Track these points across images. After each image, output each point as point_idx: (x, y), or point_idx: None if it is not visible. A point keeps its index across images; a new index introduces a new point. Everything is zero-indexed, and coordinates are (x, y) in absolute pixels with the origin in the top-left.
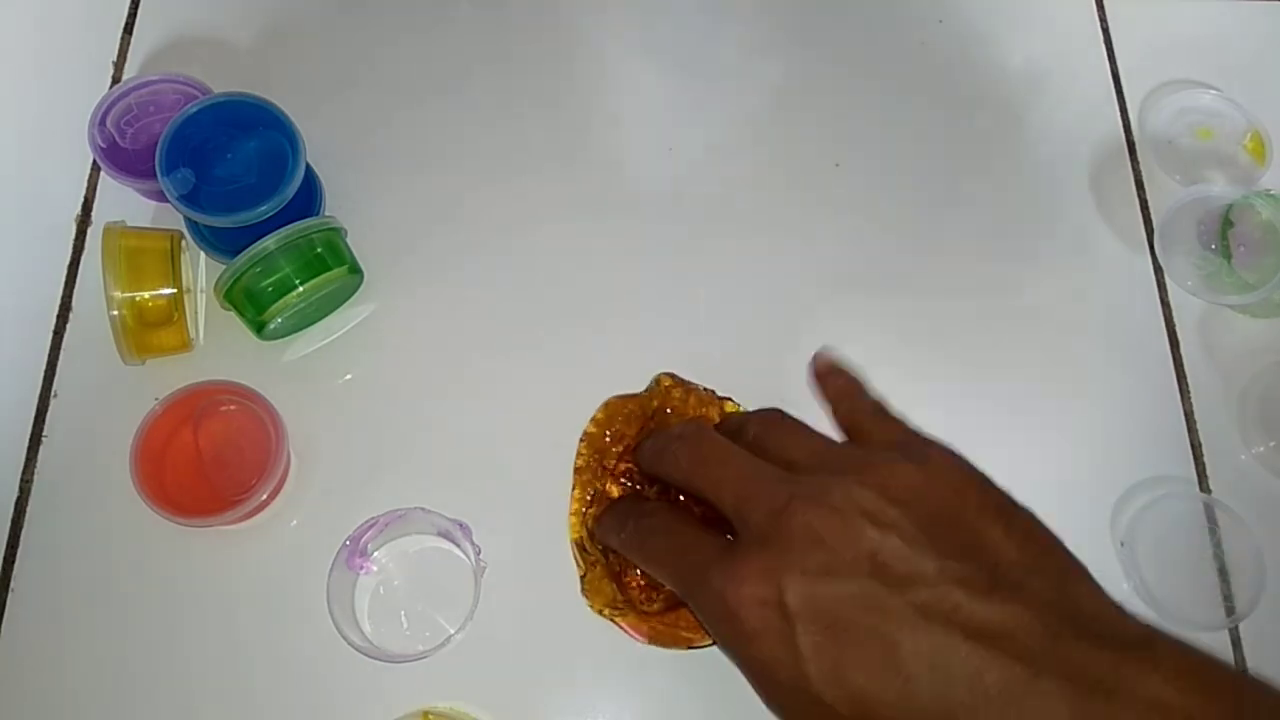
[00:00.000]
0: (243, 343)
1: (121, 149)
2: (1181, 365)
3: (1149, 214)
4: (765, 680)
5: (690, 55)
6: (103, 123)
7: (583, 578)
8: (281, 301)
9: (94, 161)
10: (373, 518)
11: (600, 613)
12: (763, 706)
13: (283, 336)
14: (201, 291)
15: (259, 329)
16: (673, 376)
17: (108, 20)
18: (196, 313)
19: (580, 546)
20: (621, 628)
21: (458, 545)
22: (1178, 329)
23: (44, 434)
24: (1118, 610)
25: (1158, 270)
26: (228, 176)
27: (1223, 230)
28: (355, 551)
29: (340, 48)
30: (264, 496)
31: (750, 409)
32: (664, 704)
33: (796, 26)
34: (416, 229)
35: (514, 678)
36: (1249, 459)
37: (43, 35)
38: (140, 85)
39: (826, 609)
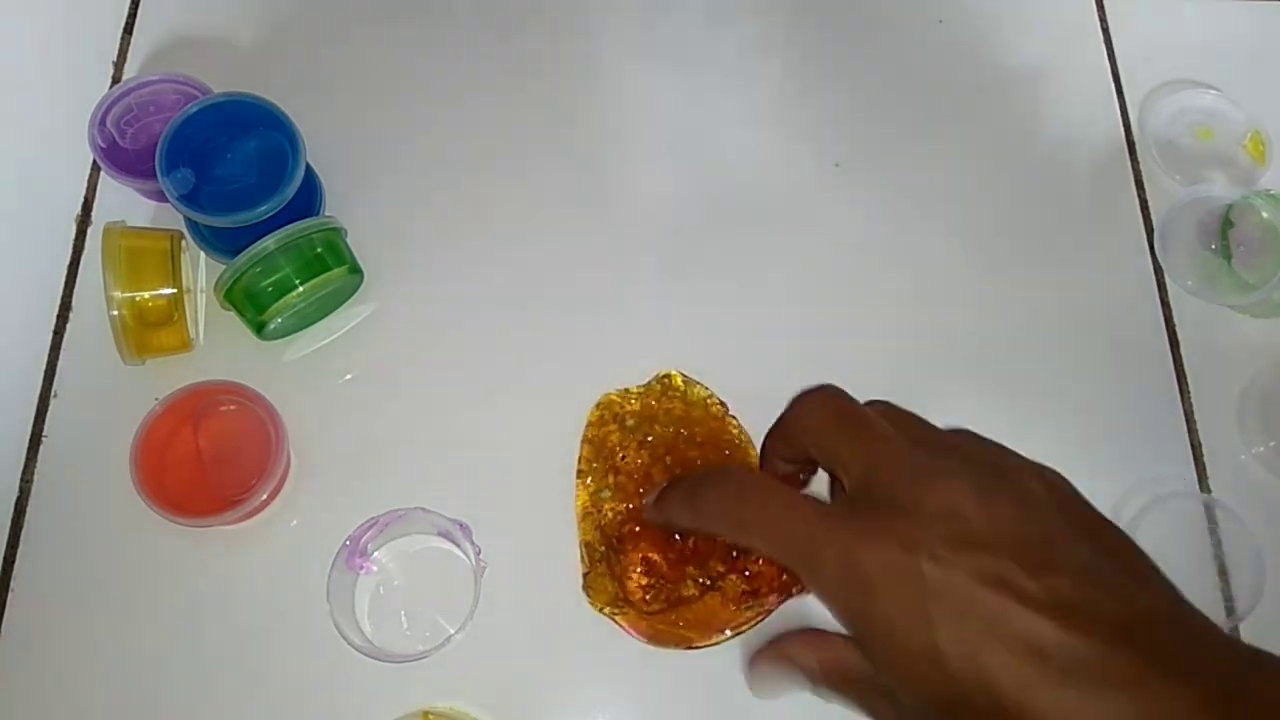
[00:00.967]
0: (243, 343)
1: (121, 149)
2: (1181, 365)
3: (1149, 214)
4: (886, 643)
5: (690, 55)
6: (103, 123)
7: (585, 575)
8: (281, 301)
9: (94, 161)
10: (373, 518)
11: (601, 611)
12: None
13: (283, 336)
14: (201, 291)
15: (259, 329)
16: (681, 375)
17: (108, 20)
18: (196, 313)
19: (588, 546)
20: (622, 627)
21: (458, 545)
22: (1178, 329)
23: (44, 434)
24: (1215, 625)
25: (1158, 270)
26: (228, 176)
27: (1223, 230)
28: (355, 551)
29: (340, 48)
30: (264, 496)
31: (741, 421)
32: (664, 704)
33: (796, 26)
34: (417, 229)
35: (514, 678)
36: (1249, 459)
37: (43, 35)
38: (140, 85)
39: (964, 583)
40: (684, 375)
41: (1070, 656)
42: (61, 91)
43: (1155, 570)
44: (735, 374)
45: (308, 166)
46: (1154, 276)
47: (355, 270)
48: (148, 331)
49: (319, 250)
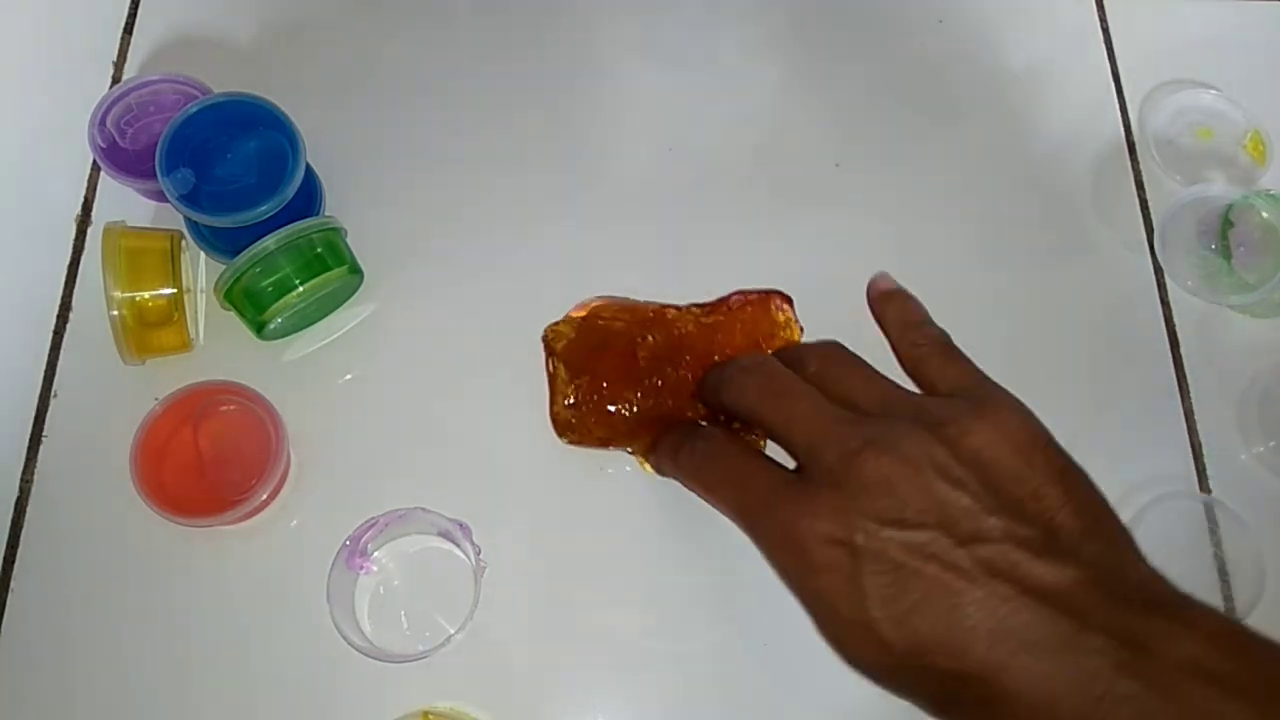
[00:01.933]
0: (243, 343)
1: (121, 149)
2: (1181, 365)
3: (1149, 214)
4: (825, 612)
5: (690, 55)
6: (103, 123)
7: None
8: (281, 301)
9: (94, 161)
10: (373, 518)
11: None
12: (762, 707)
13: (283, 336)
14: (201, 291)
15: (259, 329)
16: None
17: (108, 20)
18: (196, 313)
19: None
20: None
21: (458, 545)
22: (1178, 329)
23: (44, 434)
24: (1160, 578)
25: (1158, 270)
26: (228, 176)
27: (1223, 230)
28: (355, 551)
29: (340, 48)
30: (264, 496)
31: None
32: (664, 704)
33: (796, 26)
34: (416, 229)
35: (514, 678)
36: (1249, 459)
37: (43, 35)
38: (140, 85)
39: (895, 554)
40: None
41: (997, 623)
42: (61, 91)
43: (1100, 520)
44: None
45: (308, 166)
46: (1154, 276)
47: (355, 270)
48: (148, 331)
49: (319, 250)
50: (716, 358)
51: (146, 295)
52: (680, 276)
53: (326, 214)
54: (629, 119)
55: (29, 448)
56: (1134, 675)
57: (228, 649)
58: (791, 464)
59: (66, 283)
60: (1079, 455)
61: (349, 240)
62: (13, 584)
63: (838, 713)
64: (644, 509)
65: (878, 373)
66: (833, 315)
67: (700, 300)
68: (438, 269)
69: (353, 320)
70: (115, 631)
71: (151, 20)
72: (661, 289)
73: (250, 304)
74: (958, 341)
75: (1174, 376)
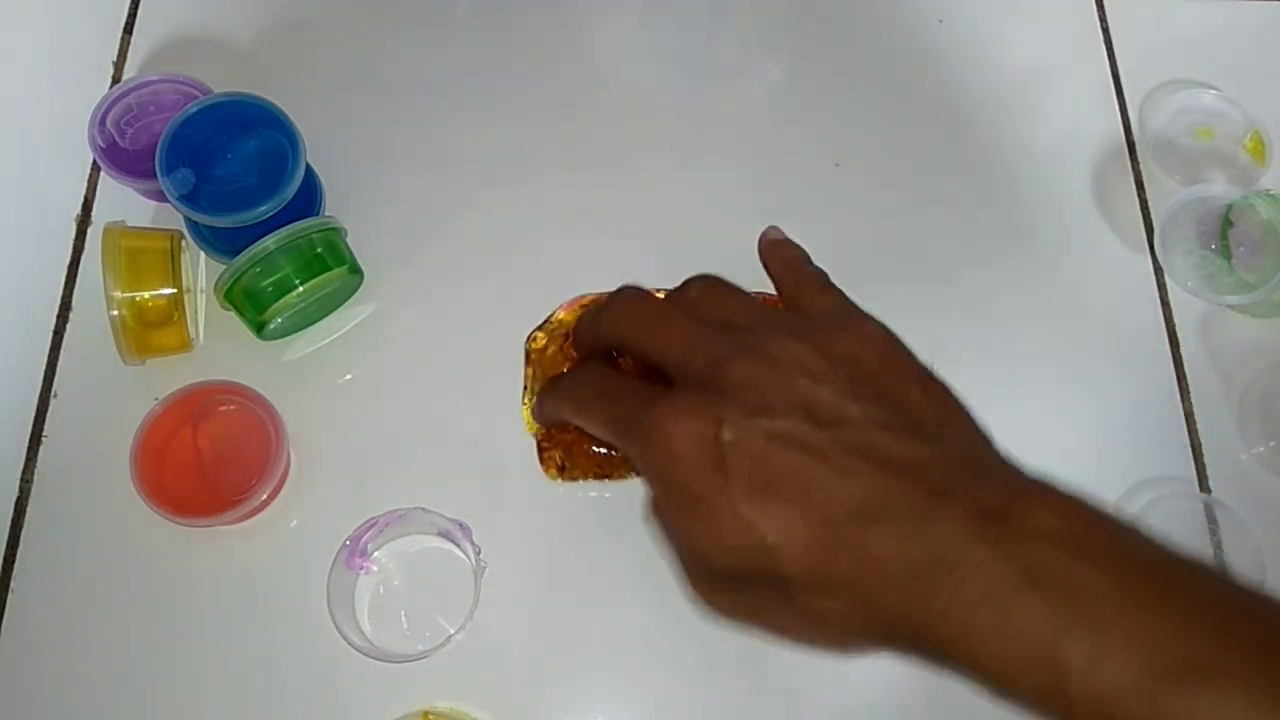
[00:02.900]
0: (243, 343)
1: (121, 149)
2: (1181, 365)
3: (1149, 214)
4: (689, 502)
5: (690, 55)
6: (103, 123)
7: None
8: (281, 301)
9: (94, 161)
10: (373, 518)
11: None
12: (762, 706)
13: (283, 336)
14: (201, 291)
15: (259, 329)
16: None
17: (108, 20)
18: (196, 313)
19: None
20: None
21: (458, 545)
22: (1178, 329)
23: (44, 434)
24: (1018, 465)
25: (1158, 270)
26: (228, 176)
27: (1223, 230)
28: (355, 551)
29: (340, 48)
30: (264, 496)
31: None
32: (664, 704)
33: (796, 26)
34: (417, 229)
35: (514, 678)
36: (1249, 459)
37: (43, 35)
38: (140, 85)
39: (758, 442)
40: None
41: (856, 497)
42: (61, 91)
43: (959, 416)
44: None
45: (308, 166)
46: (1154, 276)
47: (355, 270)
48: (148, 331)
49: (319, 250)
50: None
51: (146, 295)
52: (680, 276)
53: (326, 214)
54: (629, 119)
55: (29, 448)
56: (989, 542)
57: (228, 649)
58: None
59: (66, 283)
60: (1079, 454)
61: (349, 240)
62: (13, 584)
63: (838, 712)
64: (644, 509)
65: (752, 297)
66: None
67: None
68: (438, 269)
69: (353, 320)
70: (115, 631)
71: (151, 20)
72: (663, 285)
73: (250, 304)
74: (957, 341)
75: (1174, 376)
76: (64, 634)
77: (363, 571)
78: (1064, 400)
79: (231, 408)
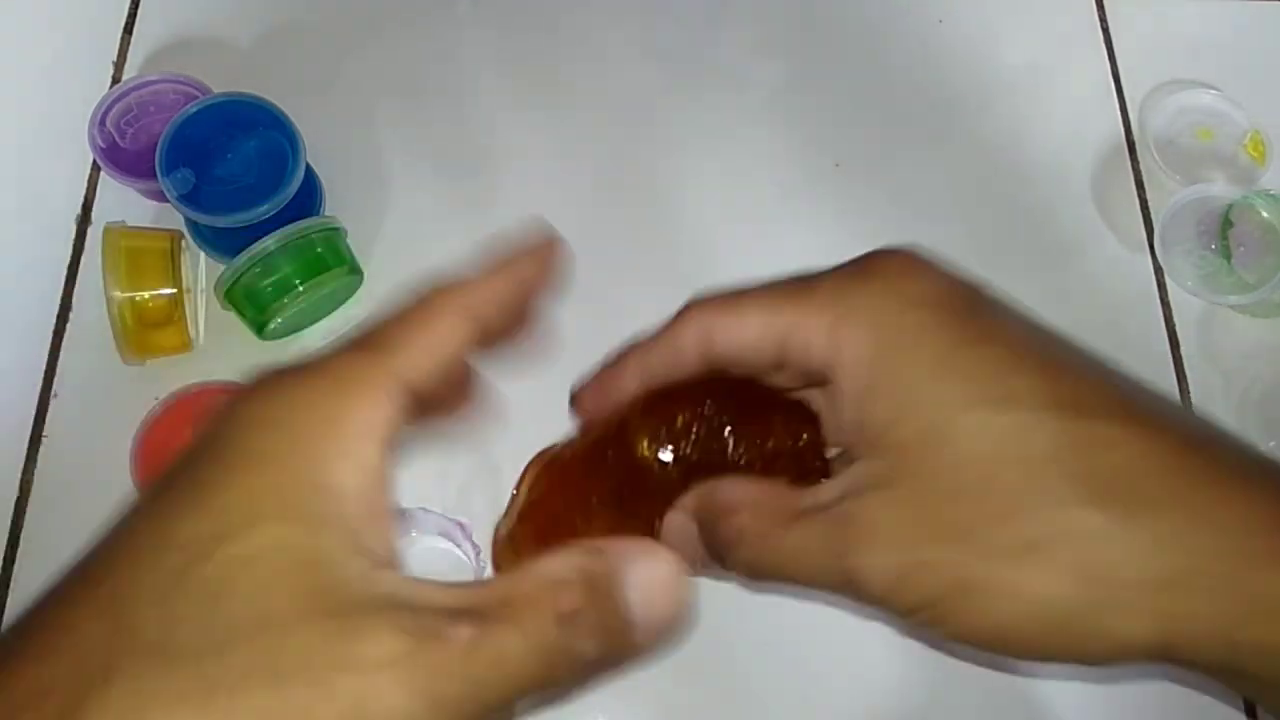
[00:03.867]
0: (243, 343)
1: (121, 149)
2: (1181, 365)
3: (1149, 214)
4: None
5: (690, 55)
6: (103, 123)
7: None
8: (281, 301)
9: (94, 161)
10: None
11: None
12: (762, 706)
13: (283, 336)
14: (201, 291)
15: (259, 329)
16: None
17: (108, 20)
18: (196, 313)
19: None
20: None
21: (458, 545)
22: (1178, 329)
23: (44, 434)
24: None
25: (1158, 270)
26: (228, 176)
27: (1223, 230)
28: None
29: (340, 47)
30: None
31: None
32: (664, 704)
33: (796, 26)
34: (416, 229)
35: None
36: None
37: (43, 35)
38: (140, 85)
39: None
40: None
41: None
42: (61, 91)
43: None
44: None
45: (308, 166)
46: (1154, 276)
47: (355, 270)
48: (148, 331)
49: (319, 250)
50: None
51: (146, 295)
52: (680, 276)
53: (326, 214)
54: (629, 119)
55: (29, 448)
56: None
57: None
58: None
59: (66, 283)
60: None
61: (349, 240)
62: (13, 584)
63: (839, 712)
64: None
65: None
66: None
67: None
68: (438, 269)
69: (353, 320)
70: None
71: (151, 20)
72: (661, 289)
73: (250, 304)
74: None
75: (1174, 376)
76: None
77: None
78: None
79: None
